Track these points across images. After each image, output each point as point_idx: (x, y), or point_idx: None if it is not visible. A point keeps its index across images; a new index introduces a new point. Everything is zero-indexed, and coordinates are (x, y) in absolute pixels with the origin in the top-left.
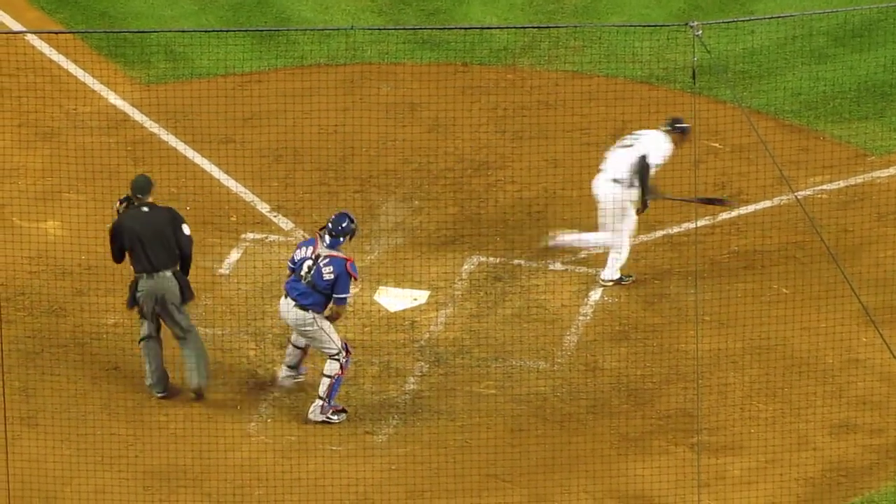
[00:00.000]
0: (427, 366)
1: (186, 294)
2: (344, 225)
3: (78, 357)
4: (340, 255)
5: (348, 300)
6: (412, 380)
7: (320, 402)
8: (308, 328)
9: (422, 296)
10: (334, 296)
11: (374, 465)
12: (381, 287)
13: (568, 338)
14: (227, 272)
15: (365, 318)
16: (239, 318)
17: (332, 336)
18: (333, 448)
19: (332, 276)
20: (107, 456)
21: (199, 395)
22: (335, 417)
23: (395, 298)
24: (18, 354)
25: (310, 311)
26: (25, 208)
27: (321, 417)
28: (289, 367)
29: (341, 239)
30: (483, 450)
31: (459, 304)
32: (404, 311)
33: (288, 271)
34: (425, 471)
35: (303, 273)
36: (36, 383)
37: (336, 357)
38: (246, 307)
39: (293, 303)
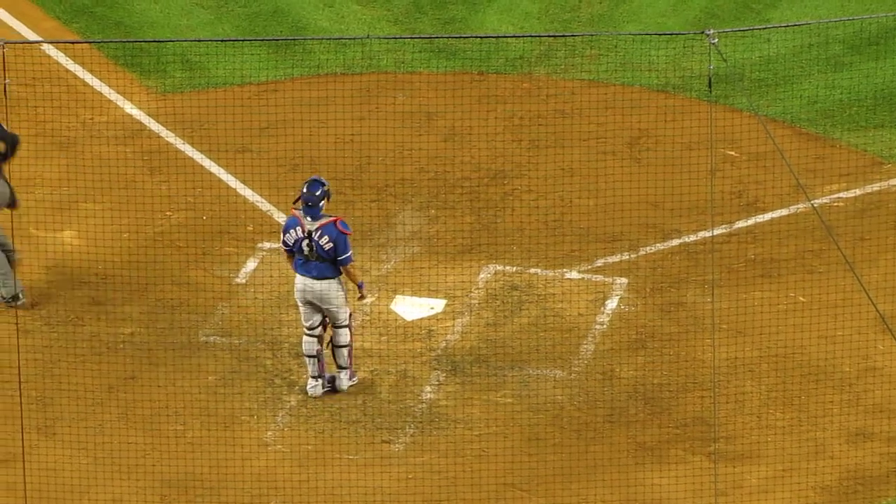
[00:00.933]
0: (444, 375)
1: (15, 199)
2: (318, 194)
3: (95, 366)
4: (327, 219)
5: (352, 257)
6: (429, 389)
7: (346, 371)
8: (333, 296)
9: (438, 305)
10: (338, 259)
11: (391, 475)
12: (397, 296)
13: (585, 346)
14: (244, 281)
15: (381, 327)
16: (255, 327)
17: (347, 302)
18: (350, 457)
19: (331, 245)
20: (124, 465)
21: (13, 302)
22: (354, 380)
23: (411, 307)
24: (35, 364)
25: (334, 279)
26: (42, 218)
27: (349, 384)
28: (315, 377)
29: (320, 204)
30: (500, 459)
31: (476, 312)
32: (421, 319)
33: (285, 248)
34: (442, 480)
35: (306, 253)
36: (53, 393)
37: (345, 325)
38: (262, 316)
39: (312, 280)
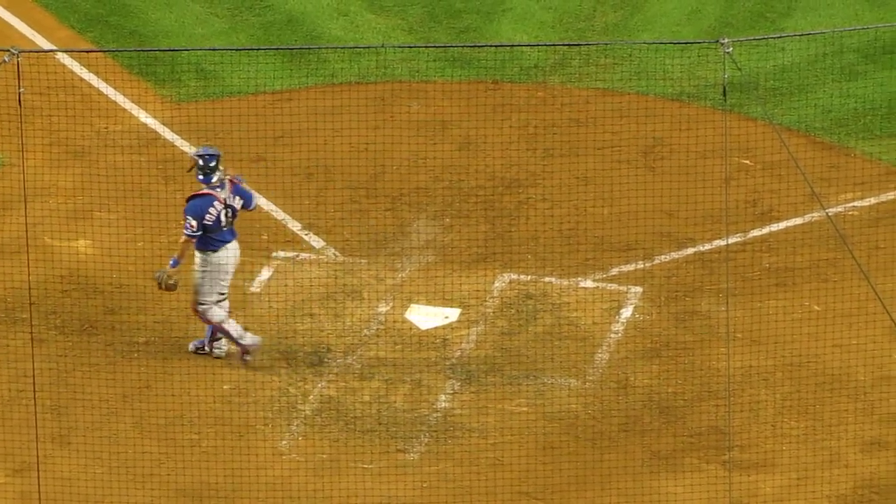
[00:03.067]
0: (458, 383)
1: None
2: (214, 163)
3: (109, 375)
4: (227, 180)
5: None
6: (444, 397)
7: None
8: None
9: (453, 313)
10: (249, 208)
11: (406, 483)
12: (412, 305)
13: (599, 355)
14: (259, 290)
15: (396, 336)
16: (270, 336)
17: None
18: (365, 466)
19: (241, 200)
20: (138, 475)
21: None
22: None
23: (426, 316)
24: (50, 373)
25: None
26: (56, 227)
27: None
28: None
29: (220, 168)
30: (514, 467)
31: (491, 321)
32: (435, 328)
33: (195, 233)
34: (457, 489)
35: (223, 222)
36: (67, 402)
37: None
38: (277, 325)
39: (235, 244)
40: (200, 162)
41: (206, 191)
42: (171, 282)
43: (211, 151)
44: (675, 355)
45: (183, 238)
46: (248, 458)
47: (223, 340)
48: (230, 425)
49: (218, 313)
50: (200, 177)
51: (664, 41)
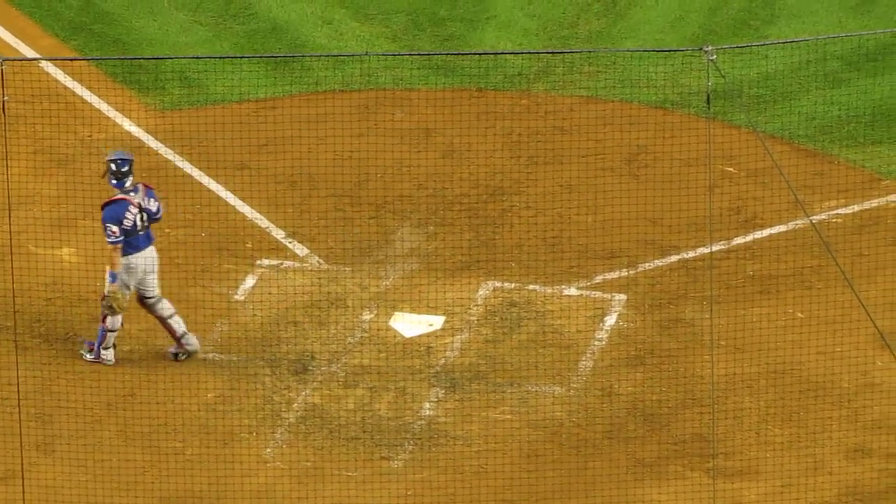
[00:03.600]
0: (443, 391)
1: None
2: (126, 167)
3: (94, 383)
4: (140, 185)
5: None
6: (428, 405)
7: (191, 335)
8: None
9: (437, 321)
10: (159, 216)
11: (391, 491)
12: (396, 313)
13: (583, 363)
14: (243, 299)
15: (380, 344)
16: (254, 344)
17: None
18: (349, 474)
19: (157, 203)
20: (122, 482)
21: None
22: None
23: (410, 324)
24: (34, 381)
25: None
26: (40, 235)
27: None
28: (184, 335)
29: (132, 172)
30: (499, 475)
31: (475, 329)
32: (420, 336)
33: (119, 239)
34: (441, 496)
35: (139, 228)
36: (52, 410)
37: (159, 296)
38: (261, 333)
39: (151, 248)
40: (113, 167)
41: (119, 196)
42: (118, 296)
43: (123, 156)
44: (659, 363)
45: (110, 247)
46: (232, 466)
47: (187, 341)
48: (214, 433)
49: (115, 321)
50: (113, 181)
51: (648, 49)
